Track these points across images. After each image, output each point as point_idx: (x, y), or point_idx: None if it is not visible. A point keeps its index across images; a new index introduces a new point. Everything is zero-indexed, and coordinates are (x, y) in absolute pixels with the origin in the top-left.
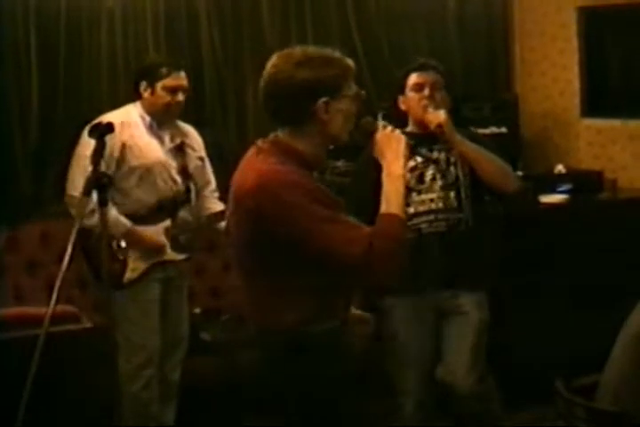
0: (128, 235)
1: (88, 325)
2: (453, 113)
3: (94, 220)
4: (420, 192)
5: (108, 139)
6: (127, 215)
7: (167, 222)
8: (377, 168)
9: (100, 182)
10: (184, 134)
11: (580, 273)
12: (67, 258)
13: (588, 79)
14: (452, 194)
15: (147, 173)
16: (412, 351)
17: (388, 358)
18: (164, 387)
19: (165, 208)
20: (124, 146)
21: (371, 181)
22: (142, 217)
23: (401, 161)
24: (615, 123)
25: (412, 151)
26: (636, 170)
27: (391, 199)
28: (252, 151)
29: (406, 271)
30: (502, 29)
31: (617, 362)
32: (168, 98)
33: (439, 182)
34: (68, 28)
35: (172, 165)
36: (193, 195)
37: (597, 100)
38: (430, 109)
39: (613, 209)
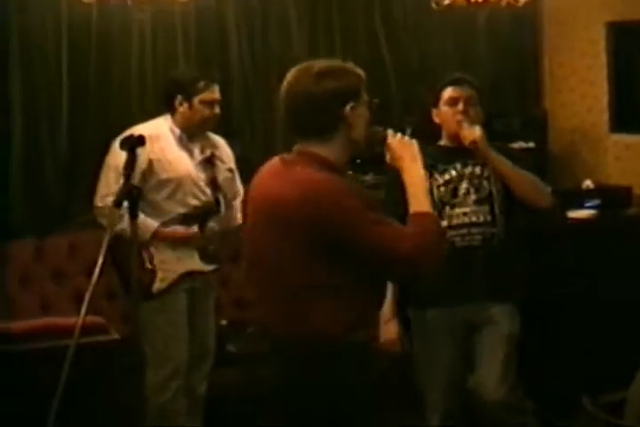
0: (156, 234)
1: (116, 336)
2: (484, 128)
3: (123, 224)
4: (453, 206)
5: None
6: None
7: (195, 228)
8: None
9: (130, 194)
10: (214, 146)
11: (608, 288)
12: (97, 269)
13: (616, 95)
14: (486, 208)
15: (176, 186)
16: (441, 364)
17: (416, 371)
18: (190, 399)
19: (194, 219)
20: (151, 160)
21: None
22: (173, 223)
23: (419, 163)
24: None
25: (445, 165)
26: None
27: (420, 198)
28: (275, 163)
29: (439, 283)
30: (532, 44)
31: None
32: (206, 111)
33: (473, 197)
34: (99, 41)
35: (202, 177)
36: (222, 206)
37: (625, 116)
38: (465, 125)
39: None
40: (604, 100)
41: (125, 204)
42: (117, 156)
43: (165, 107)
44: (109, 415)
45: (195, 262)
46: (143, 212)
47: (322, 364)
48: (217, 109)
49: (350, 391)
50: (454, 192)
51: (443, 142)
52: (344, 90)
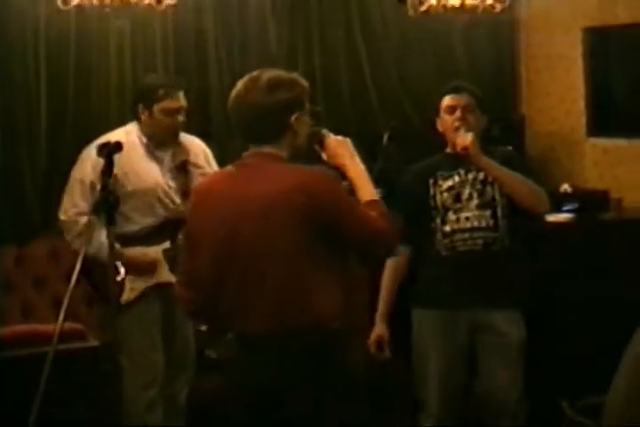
0: (119, 257)
1: (94, 343)
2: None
3: (79, 243)
4: (456, 211)
5: (97, 162)
6: (126, 236)
7: (167, 244)
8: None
9: (107, 202)
10: (187, 152)
11: (585, 290)
12: (75, 276)
13: (593, 99)
14: (489, 213)
15: (144, 196)
16: (439, 364)
17: (415, 371)
18: (171, 408)
19: (165, 230)
20: (115, 174)
21: (415, 195)
22: (141, 238)
23: (357, 158)
24: (621, 142)
25: (449, 171)
26: None
27: (368, 188)
28: (229, 170)
29: (441, 287)
30: (509, 50)
31: (622, 382)
32: (167, 120)
33: (475, 201)
34: (78, 50)
35: (172, 186)
36: None
37: (603, 120)
38: (461, 132)
39: (619, 229)
40: (582, 104)
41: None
42: (83, 168)
43: (133, 114)
44: (88, 421)
45: (164, 274)
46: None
47: (325, 350)
48: (179, 118)
49: (349, 374)
50: (457, 197)
51: (448, 150)
52: (292, 101)
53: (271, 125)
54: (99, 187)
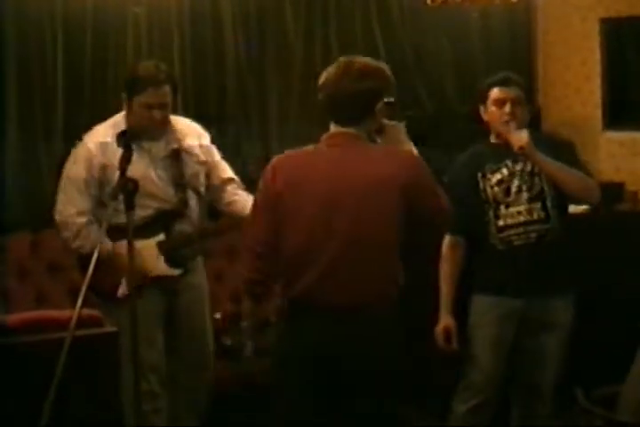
0: (109, 259)
1: (111, 329)
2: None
3: (77, 244)
4: (508, 205)
5: (88, 160)
6: (119, 228)
7: (161, 236)
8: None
9: (126, 187)
10: (180, 139)
11: (600, 283)
12: (93, 262)
13: (610, 91)
14: (539, 205)
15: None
16: (491, 339)
17: (469, 341)
18: (190, 395)
19: (159, 222)
20: (104, 167)
21: (465, 187)
22: (135, 231)
23: (412, 144)
24: (637, 135)
25: (497, 164)
26: None
27: None
28: (320, 148)
29: (499, 276)
30: (526, 40)
31: (638, 374)
32: (144, 114)
33: (525, 195)
34: (95, 35)
35: (163, 176)
36: (194, 204)
37: (619, 112)
38: (512, 129)
39: (634, 221)
40: (599, 95)
41: (121, 197)
42: (76, 167)
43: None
44: (105, 408)
45: (159, 267)
46: (104, 217)
47: (388, 322)
48: (157, 114)
49: (400, 347)
50: (507, 191)
51: (492, 140)
52: (379, 89)
53: (359, 110)
54: (93, 184)
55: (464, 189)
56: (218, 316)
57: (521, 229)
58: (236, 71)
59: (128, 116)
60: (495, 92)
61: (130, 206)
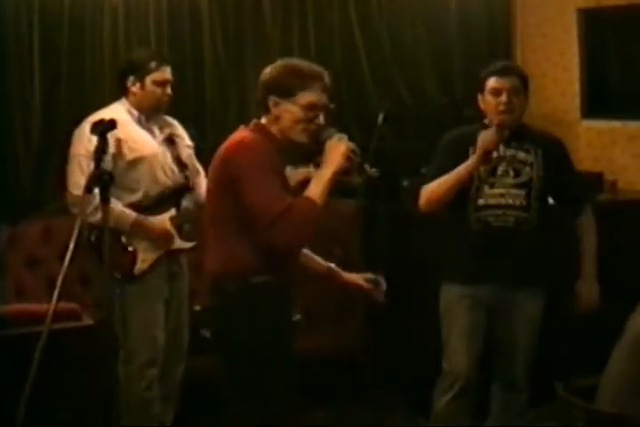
0: (135, 226)
1: (89, 322)
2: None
3: (98, 216)
4: (492, 186)
5: (88, 137)
6: (132, 207)
7: (172, 212)
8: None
9: (102, 180)
10: (170, 126)
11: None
12: (69, 255)
13: (588, 81)
14: (523, 193)
15: (146, 165)
16: (464, 327)
17: (443, 332)
18: (165, 386)
19: (169, 198)
20: (119, 141)
21: (453, 160)
22: (148, 207)
23: (333, 166)
24: (615, 124)
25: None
26: (636, 171)
27: (314, 188)
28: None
29: (468, 263)
30: (504, 31)
31: (616, 364)
32: (158, 91)
33: (511, 180)
34: (71, 26)
35: (168, 155)
36: (194, 181)
37: (598, 102)
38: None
39: (613, 210)
40: (577, 86)
41: (96, 189)
42: (83, 144)
43: (120, 89)
44: (82, 402)
45: (177, 241)
46: (118, 197)
47: (237, 299)
48: (169, 90)
49: (254, 326)
50: (492, 172)
51: (486, 121)
52: (275, 87)
53: (259, 103)
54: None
55: (451, 159)
56: (198, 308)
57: (500, 212)
58: (214, 63)
59: (137, 97)
60: (492, 82)
61: (105, 200)
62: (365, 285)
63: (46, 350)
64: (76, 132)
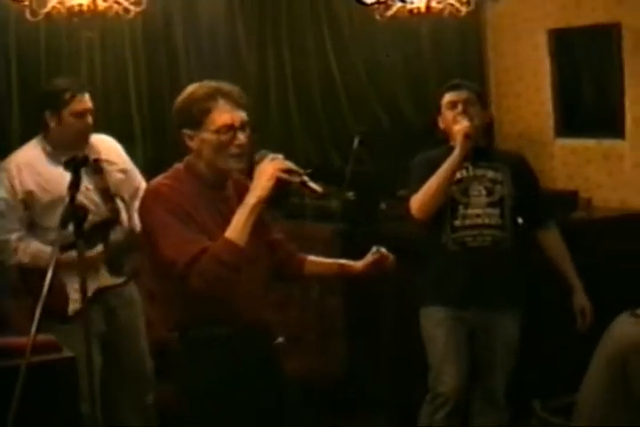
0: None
1: (70, 354)
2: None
3: (17, 257)
4: (466, 206)
5: (8, 182)
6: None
7: (99, 248)
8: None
9: (76, 215)
10: (97, 151)
11: (554, 294)
12: (46, 287)
13: (560, 100)
14: (497, 211)
15: (61, 205)
16: (451, 349)
17: (430, 354)
18: (141, 416)
19: (95, 234)
20: (28, 190)
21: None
22: (72, 246)
23: (258, 192)
24: (589, 142)
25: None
26: (611, 189)
27: (235, 225)
28: None
29: (448, 286)
30: (476, 52)
31: (593, 381)
32: (78, 123)
33: (485, 199)
34: (48, 61)
35: (90, 187)
36: (123, 213)
37: (571, 121)
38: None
39: (588, 228)
40: (550, 105)
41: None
42: (1, 192)
43: (38, 125)
44: None
45: (104, 278)
46: (39, 239)
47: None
48: (89, 120)
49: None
50: (465, 192)
51: (452, 143)
52: (183, 117)
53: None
54: (17, 206)
55: (428, 175)
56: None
57: (476, 232)
58: None
59: (57, 131)
60: (447, 97)
61: (80, 234)
62: (380, 257)
63: (27, 383)
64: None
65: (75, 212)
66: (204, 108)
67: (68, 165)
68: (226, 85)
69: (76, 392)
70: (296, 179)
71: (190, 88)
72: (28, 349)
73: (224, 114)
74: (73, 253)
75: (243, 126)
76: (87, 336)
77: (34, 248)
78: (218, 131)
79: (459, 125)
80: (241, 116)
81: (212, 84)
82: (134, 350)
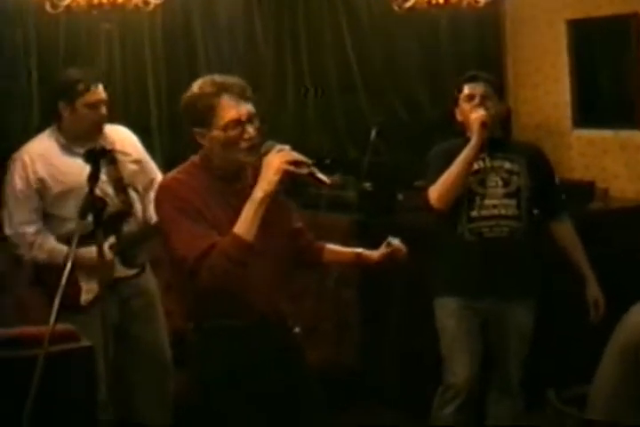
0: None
1: (88, 343)
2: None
3: (33, 252)
4: (483, 197)
5: (23, 172)
6: (69, 239)
7: (112, 239)
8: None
9: (94, 206)
10: (111, 142)
11: (568, 282)
12: (65, 276)
13: (579, 91)
14: (514, 202)
15: (74, 196)
16: (463, 339)
17: (443, 345)
18: (159, 406)
19: (107, 225)
20: (41, 179)
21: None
22: (84, 238)
23: (264, 186)
24: (606, 133)
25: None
26: (627, 179)
27: (243, 220)
28: None
29: (463, 276)
30: (495, 43)
31: (606, 372)
32: (92, 114)
33: (502, 190)
34: (67, 53)
35: (103, 180)
36: (137, 204)
37: (588, 111)
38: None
39: (605, 219)
40: (568, 96)
41: (90, 217)
42: (14, 182)
43: (51, 116)
44: (82, 423)
45: (118, 269)
46: (50, 227)
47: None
48: (103, 111)
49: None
50: (482, 182)
51: (469, 135)
52: (191, 114)
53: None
54: (32, 195)
55: (446, 167)
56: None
57: (493, 222)
58: None
59: (70, 122)
60: (465, 89)
61: (99, 225)
62: (393, 248)
63: (46, 372)
64: (9, 166)
65: (94, 203)
66: (208, 106)
67: (87, 157)
68: (228, 79)
69: (94, 382)
70: (304, 170)
71: (194, 85)
72: (45, 338)
73: (230, 109)
74: (90, 250)
75: (250, 119)
76: (104, 325)
77: (50, 246)
78: (226, 127)
79: (475, 114)
80: (247, 108)
81: (215, 79)
82: (150, 338)
